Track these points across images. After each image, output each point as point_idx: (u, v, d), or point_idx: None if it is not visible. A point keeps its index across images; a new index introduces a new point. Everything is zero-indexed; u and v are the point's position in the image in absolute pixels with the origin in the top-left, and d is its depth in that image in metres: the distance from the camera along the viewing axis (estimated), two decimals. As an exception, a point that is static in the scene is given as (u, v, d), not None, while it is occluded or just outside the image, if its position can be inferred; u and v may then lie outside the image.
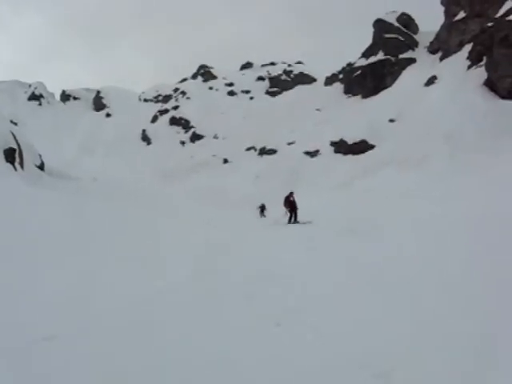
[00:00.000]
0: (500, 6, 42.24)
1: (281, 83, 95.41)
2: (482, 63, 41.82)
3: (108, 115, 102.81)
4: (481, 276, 9.18)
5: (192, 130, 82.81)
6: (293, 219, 22.66)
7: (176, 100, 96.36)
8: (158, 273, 8.42)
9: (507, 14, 39.51)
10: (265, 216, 36.58)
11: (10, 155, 26.93)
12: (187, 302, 6.83)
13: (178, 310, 6.48)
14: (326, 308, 6.86)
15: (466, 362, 5.00)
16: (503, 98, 37.04)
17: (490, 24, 42.53)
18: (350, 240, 14.99)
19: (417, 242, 13.88)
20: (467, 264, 10.27)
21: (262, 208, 37.79)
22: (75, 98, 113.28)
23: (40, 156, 35.60)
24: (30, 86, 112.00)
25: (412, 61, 60.88)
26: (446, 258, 11.21)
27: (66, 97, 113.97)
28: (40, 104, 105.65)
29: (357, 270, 10.11)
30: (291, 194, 23.77)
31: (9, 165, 26.14)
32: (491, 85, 38.84)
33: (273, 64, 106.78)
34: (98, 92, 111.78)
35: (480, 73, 40.96)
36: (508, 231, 14.29)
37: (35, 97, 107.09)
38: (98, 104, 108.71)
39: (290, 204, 23.19)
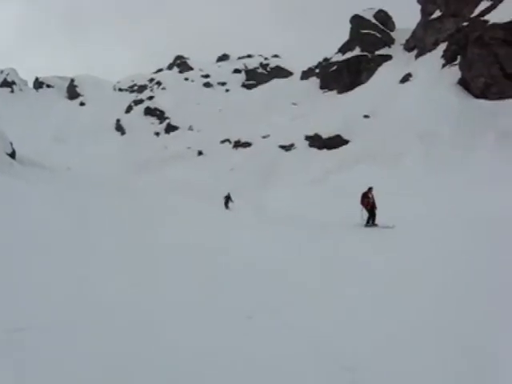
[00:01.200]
0: (475, 6, 42.83)
1: (257, 76, 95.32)
2: (456, 62, 42.32)
3: (82, 104, 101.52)
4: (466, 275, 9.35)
5: (167, 121, 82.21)
6: (371, 221, 18.71)
7: (151, 90, 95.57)
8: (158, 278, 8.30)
9: (482, 14, 40.05)
10: (228, 208, 34.42)
11: (-19, 142, 26.43)
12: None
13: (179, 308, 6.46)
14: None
15: (437, 357, 5.05)
16: (476, 97, 37.58)
17: (465, 23, 43.06)
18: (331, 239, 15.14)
19: (398, 242, 14.11)
20: (464, 265, 10.45)
21: (227, 199, 35.37)
22: (48, 86, 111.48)
23: (11, 144, 34.94)
24: (1, 72, 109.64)
25: (388, 58, 61.33)
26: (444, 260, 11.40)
27: (39, 84, 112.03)
28: (12, 91, 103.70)
29: (340, 268, 10.18)
30: (370, 189, 19.85)
31: (-21, 152, 25.67)
32: (465, 84, 39.36)
33: (249, 57, 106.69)
34: (72, 80, 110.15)
35: (454, 72, 41.47)
36: (490, 230, 14.58)
37: (7, 83, 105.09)
38: (72, 92, 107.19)
39: (369, 202, 19.28)
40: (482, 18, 39.20)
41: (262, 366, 4.77)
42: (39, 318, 5.45)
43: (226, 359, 4.86)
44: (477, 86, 37.70)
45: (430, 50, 51.55)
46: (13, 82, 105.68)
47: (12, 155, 34.05)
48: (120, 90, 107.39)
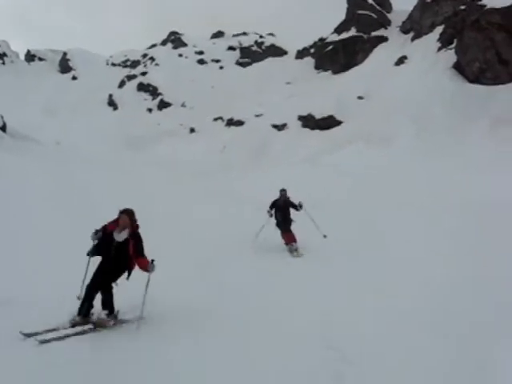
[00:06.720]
0: (473, -11, 42.55)
1: (252, 54, 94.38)
2: (452, 46, 42.20)
3: (74, 78, 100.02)
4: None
5: (159, 97, 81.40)
6: None
7: (144, 66, 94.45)
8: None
9: (480, -3, 39.83)
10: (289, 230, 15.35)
11: (-30, 115, 26.23)
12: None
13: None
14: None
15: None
16: (471, 81, 37.59)
17: (462, 7, 42.85)
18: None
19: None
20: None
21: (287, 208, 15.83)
22: (40, 59, 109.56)
23: (2, 117, 34.64)
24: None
25: (384, 39, 60.95)
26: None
27: (30, 57, 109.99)
28: (3, 63, 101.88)
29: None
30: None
31: (-32, 124, 25.51)
32: (460, 68, 39.32)
33: (244, 34, 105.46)
34: (65, 54, 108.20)
35: (450, 55, 41.40)
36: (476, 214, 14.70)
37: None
38: (64, 66, 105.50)
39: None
40: (479, 2, 39.00)
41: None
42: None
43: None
44: (471, 70, 37.68)
45: (426, 33, 51.31)
46: (4, 54, 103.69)
47: (3, 128, 33.77)
48: (113, 64, 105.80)
